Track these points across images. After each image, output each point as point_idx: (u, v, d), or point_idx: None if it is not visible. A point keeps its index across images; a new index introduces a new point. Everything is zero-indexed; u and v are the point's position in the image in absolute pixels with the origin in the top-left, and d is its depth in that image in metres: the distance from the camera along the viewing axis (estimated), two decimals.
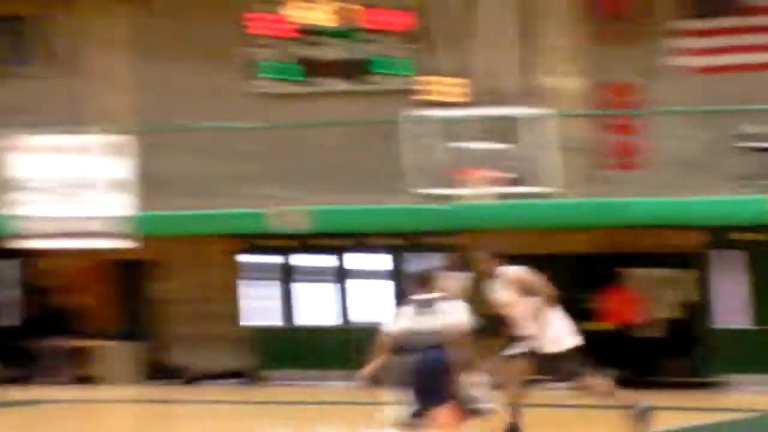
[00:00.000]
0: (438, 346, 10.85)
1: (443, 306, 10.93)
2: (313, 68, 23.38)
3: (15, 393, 21.55)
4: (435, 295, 11.05)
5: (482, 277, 13.08)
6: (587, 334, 21.30)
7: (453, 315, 10.95)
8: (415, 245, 22.50)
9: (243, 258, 23.57)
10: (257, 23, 23.38)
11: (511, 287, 13.14)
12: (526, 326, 13.12)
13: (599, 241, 21.54)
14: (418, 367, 10.81)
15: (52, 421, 18.78)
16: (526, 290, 13.15)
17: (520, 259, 21.23)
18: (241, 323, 23.44)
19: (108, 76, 23.79)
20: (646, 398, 19.16)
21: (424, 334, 10.88)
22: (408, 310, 11.03)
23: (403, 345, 10.96)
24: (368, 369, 11.01)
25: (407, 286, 11.76)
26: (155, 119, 23.60)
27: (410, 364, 10.86)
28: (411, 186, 20.57)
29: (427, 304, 10.95)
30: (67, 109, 23.27)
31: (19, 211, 21.39)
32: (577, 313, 21.44)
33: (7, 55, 25.00)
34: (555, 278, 20.89)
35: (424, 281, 11.19)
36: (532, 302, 13.11)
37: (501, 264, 13.20)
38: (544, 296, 13.09)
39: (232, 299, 23.44)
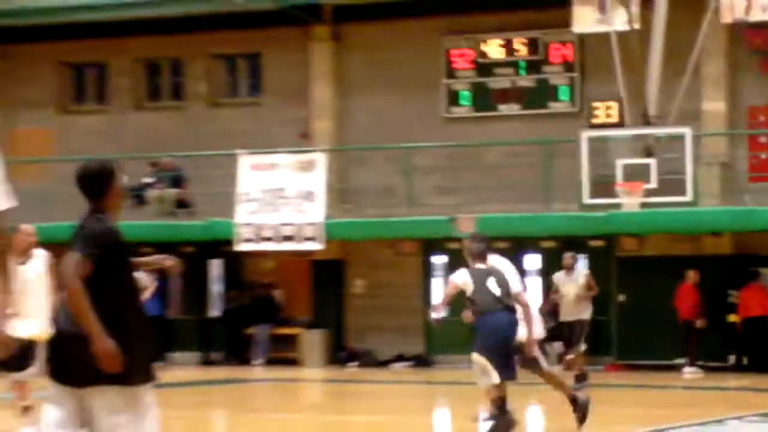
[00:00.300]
0: (504, 309, 11.17)
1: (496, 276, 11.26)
2: (492, 95, 23.34)
3: (222, 372, 21.80)
4: (487, 267, 11.36)
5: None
6: (729, 325, 21.28)
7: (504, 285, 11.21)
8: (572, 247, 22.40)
9: (424, 258, 23.48)
10: (452, 57, 23.38)
11: None
12: None
13: (739, 244, 21.49)
14: (493, 327, 11.06)
15: (256, 397, 18.98)
16: None
17: (669, 260, 21.21)
18: (418, 315, 23.02)
19: (315, 104, 24.22)
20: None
21: (489, 296, 11.14)
22: (470, 275, 11.26)
23: (476, 305, 11.19)
24: (438, 305, 11.53)
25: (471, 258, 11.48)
26: (355, 140, 23.89)
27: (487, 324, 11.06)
28: (574, 196, 20.52)
29: (484, 273, 11.26)
30: (284, 132, 23.76)
31: (237, 218, 21.97)
32: (722, 306, 21.31)
33: (234, 87, 25.47)
34: (702, 276, 20.83)
35: (481, 256, 11.47)
36: None
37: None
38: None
39: (410, 294, 23.36)
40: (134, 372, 5.53)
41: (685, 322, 20.70)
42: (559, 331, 18.01)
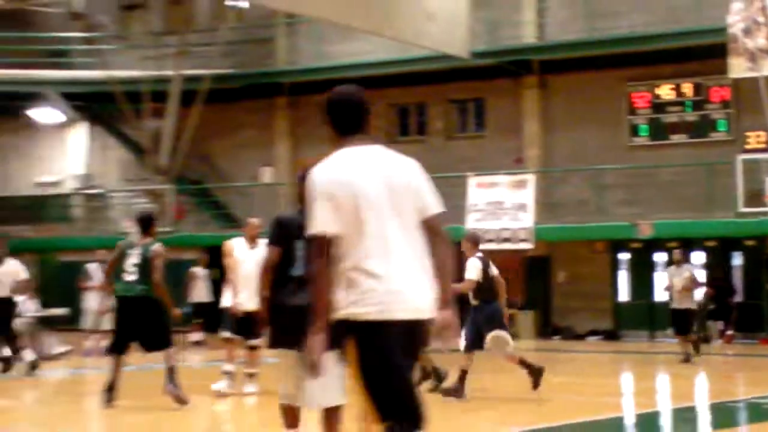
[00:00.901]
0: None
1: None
2: (665, 128, 23.32)
3: None
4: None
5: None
6: None
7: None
8: (730, 246, 22.33)
9: (612, 255, 23.61)
10: (633, 98, 23.49)
11: None
12: None
13: None
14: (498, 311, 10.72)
15: (478, 361, 18.64)
16: None
17: None
18: (608, 299, 23.53)
19: (526, 137, 24.65)
20: None
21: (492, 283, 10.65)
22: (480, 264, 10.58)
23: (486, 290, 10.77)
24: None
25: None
26: (557, 164, 24.16)
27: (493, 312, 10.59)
28: (731, 206, 20.51)
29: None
30: (502, 159, 24.31)
31: (467, 225, 22.47)
32: None
33: (464, 124, 25.87)
34: None
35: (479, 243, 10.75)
36: None
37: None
38: None
39: (601, 282, 23.50)
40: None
41: None
42: (674, 316, 16.65)
